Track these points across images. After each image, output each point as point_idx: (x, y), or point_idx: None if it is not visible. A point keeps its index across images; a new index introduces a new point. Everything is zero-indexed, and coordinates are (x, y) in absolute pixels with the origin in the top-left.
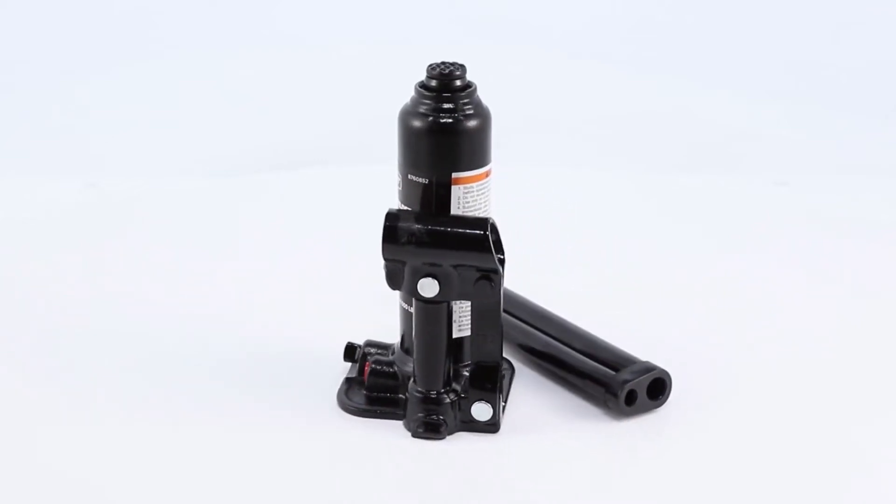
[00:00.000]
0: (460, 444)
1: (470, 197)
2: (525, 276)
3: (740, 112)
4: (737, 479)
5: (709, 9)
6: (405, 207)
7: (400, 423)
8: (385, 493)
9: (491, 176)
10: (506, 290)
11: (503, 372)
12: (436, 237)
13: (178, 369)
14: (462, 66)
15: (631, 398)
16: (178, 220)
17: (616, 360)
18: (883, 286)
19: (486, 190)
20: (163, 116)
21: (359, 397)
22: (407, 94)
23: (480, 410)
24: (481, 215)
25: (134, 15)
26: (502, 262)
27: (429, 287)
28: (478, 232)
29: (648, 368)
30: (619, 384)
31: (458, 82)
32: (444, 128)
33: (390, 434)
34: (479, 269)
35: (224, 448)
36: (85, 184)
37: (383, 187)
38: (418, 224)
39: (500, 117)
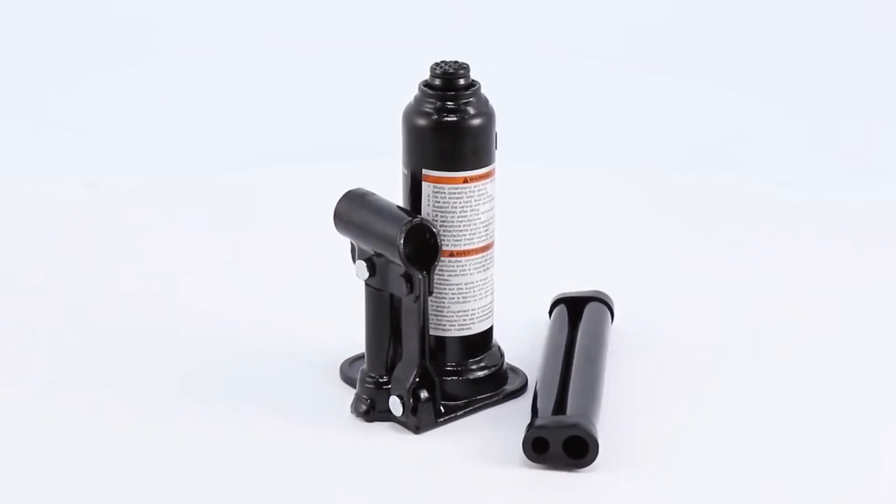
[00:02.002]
0: (378, 437)
1: (441, 198)
2: (524, 275)
3: (740, 112)
4: (731, 481)
5: (710, 9)
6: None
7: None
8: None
9: (477, 184)
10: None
11: (503, 371)
12: (361, 222)
13: (178, 367)
14: (466, 65)
15: (540, 446)
16: (177, 219)
17: (575, 406)
18: (883, 286)
19: (464, 195)
20: (163, 116)
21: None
22: (405, 92)
23: (394, 405)
24: (457, 221)
25: (134, 15)
26: (427, 266)
27: (360, 270)
28: (392, 226)
29: (571, 424)
30: (529, 427)
31: (461, 81)
32: (436, 125)
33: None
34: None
35: (216, 444)
36: (85, 183)
37: (384, 185)
38: (361, 206)
39: (498, 116)
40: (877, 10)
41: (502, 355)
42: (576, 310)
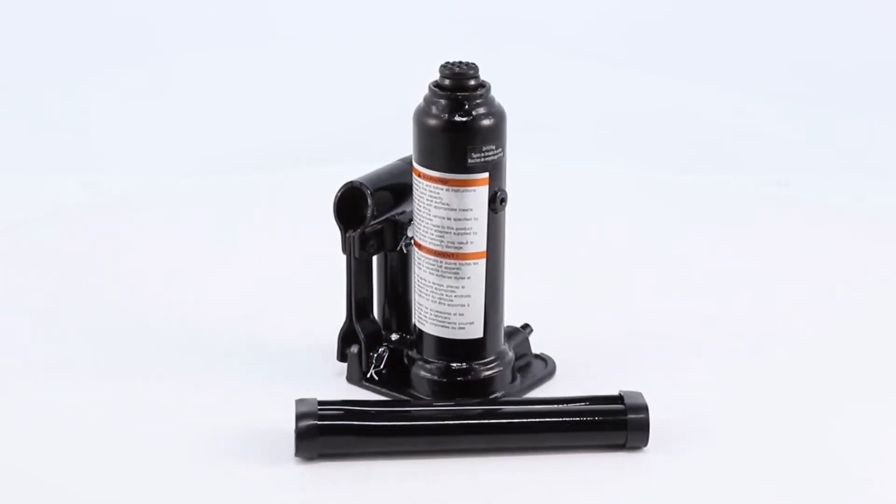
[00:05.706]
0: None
1: (413, 185)
2: (522, 274)
3: (740, 112)
4: (731, 480)
5: (710, 9)
6: None
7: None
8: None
9: (428, 184)
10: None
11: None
12: None
13: (178, 366)
14: (474, 66)
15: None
16: (177, 219)
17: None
18: (883, 286)
19: (419, 188)
20: (163, 116)
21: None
22: (405, 92)
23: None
24: (416, 210)
25: (134, 15)
26: (347, 222)
27: None
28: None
29: (303, 413)
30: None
31: (471, 81)
32: (423, 116)
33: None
34: None
35: (215, 442)
36: (85, 183)
37: None
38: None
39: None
40: (877, 10)
41: (463, 373)
42: (604, 400)
